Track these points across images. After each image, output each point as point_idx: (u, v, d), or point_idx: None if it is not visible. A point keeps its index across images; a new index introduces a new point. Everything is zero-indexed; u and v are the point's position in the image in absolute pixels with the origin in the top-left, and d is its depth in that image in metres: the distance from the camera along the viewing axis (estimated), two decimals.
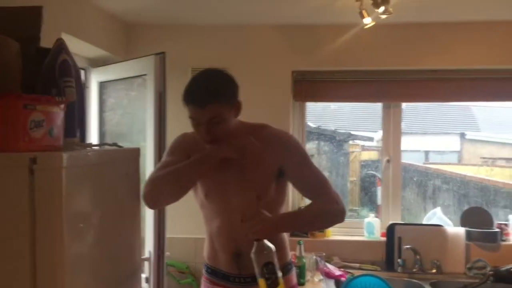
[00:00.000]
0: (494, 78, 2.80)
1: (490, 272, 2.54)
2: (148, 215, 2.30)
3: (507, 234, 2.81)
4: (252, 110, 2.74)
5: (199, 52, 2.84)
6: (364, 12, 2.20)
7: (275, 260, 1.48)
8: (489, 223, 2.81)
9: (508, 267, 2.48)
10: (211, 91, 1.54)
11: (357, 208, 3.24)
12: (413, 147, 5.69)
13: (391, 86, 2.84)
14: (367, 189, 3.28)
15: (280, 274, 1.49)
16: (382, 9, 2.07)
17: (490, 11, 2.53)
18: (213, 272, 1.75)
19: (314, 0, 2.34)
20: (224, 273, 1.71)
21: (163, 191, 1.62)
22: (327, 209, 1.62)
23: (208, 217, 1.76)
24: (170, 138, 1.89)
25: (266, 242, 1.49)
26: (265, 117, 2.60)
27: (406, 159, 5.04)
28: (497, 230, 2.77)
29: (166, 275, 2.71)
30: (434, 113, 6.35)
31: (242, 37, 2.85)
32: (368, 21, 2.24)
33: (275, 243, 1.71)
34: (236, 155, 1.59)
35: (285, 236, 1.77)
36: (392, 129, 2.97)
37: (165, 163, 1.70)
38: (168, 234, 2.60)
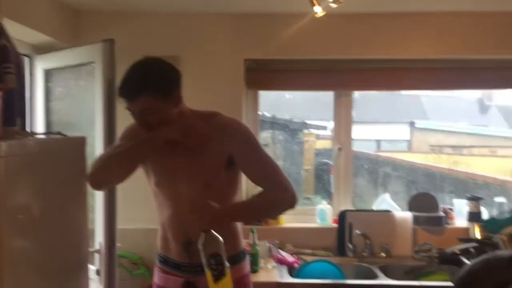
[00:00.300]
0: (442, 67, 2.88)
1: (436, 255, 2.66)
2: (98, 205, 2.25)
3: (451, 218, 2.93)
4: (204, 99, 2.73)
5: (150, 40, 2.79)
6: (314, 1, 2.22)
7: (223, 251, 1.48)
8: (435, 207, 2.92)
9: (452, 249, 2.60)
10: (142, 83, 1.53)
11: (311, 196, 3.29)
12: (365, 136, 5.83)
13: (342, 75, 2.89)
14: (321, 177, 3.33)
15: (227, 265, 1.49)
16: None
17: (438, 2, 2.60)
18: (165, 261, 1.74)
19: None
20: (176, 262, 1.71)
21: (106, 173, 1.63)
22: (278, 197, 1.63)
23: (160, 206, 1.76)
24: (120, 127, 1.86)
25: (214, 233, 1.49)
26: (217, 106, 2.58)
27: (358, 147, 5.15)
28: (442, 214, 2.88)
29: (118, 266, 2.67)
30: (385, 103, 6.50)
31: (194, 25, 2.82)
32: (318, 10, 2.26)
33: (228, 233, 1.71)
34: (179, 137, 1.57)
35: (238, 224, 1.78)
36: (343, 118, 3.02)
37: (112, 147, 1.72)
38: (120, 225, 2.55)
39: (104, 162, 1.63)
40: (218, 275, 1.47)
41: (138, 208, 2.75)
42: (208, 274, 1.48)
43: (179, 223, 1.67)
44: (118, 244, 2.37)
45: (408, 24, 2.80)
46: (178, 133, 1.58)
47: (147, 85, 1.53)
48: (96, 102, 2.27)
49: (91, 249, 2.13)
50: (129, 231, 2.72)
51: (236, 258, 1.73)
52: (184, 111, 1.68)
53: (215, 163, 1.64)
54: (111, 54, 2.23)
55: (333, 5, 2.15)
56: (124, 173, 1.63)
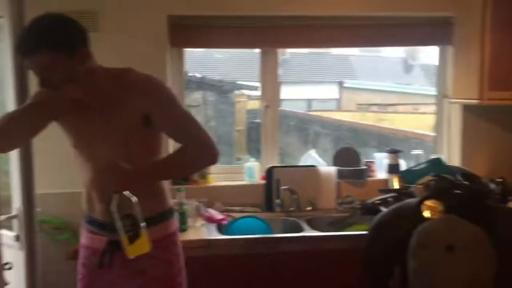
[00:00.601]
0: (367, 24, 2.93)
1: (358, 206, 2.78)
2: (15, 170, 2.14)
3: (372, 171, 3.06)
4: (125, 57, 2.65)
5: None
6: None
7: (137, 212, 1.46)
8: (358, 161, 3.03)
9: (372, 200, 2.72)
10: (38, 38, 1.47)
11: (243, 156, 3.31)
12: (297, 96, 5.90)
13: (268, 32, 2.88)
14: (253, 137, 3.35)
15: (143, 225, 1.47)
16: None
17: None
18: (90, 221, 1.73)
19: None
20: (100, 222, 1.69)
21: (8, 133, 1.55)
22: (198, 152, 1.62)
23: (81, 167, 1.73)
24: (34, 88, 1.75)
25: (126, 193, 1.46)
26: (139, 64, 2.48)
27: (290, 107, 5.21)
28: (364, 167, 3.00)
29: (41, 232, 2.58)
30: (315, 64, 6.58)
31: None
32: None
33: (152, 191, 1.69)
34: (82, 95, 1.51)
35: (164, 183, 1.76)
36: (270, 76, 3.03)
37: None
38: (43, 190, 2.44)
39: (6, 122, 1.55)
40: (133, 236, 1.47)
41: (61, 172, 2.66)
42: (123, 236, 1.47)
43: (100, 183, 1.62)
44: (38, 209, 2.29)
45: None
46: (81, 91, 1.51)
47: (44, 40, 1.47)
48: (6, 60, 2.12)
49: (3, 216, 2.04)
50: (52, 195, 2.63)
51: (162, 216, 1.72)
52: (94, 69, 1.61)
53: (131, 122, 1.60)
54: (20, 8, 2.07)
55: None
56: (27, 133, 1.58)
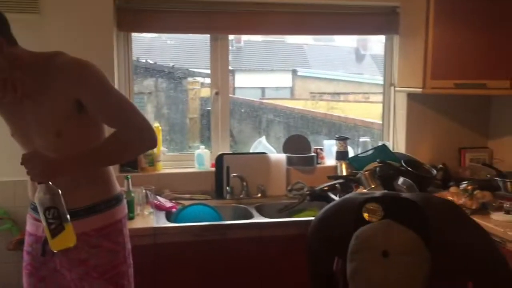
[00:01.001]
0: (318, 12, 2.96)
1: (307, 192, 2.82)
2: None
3: (322, 158, 3.11)
4: (69, 42, 2.56)
5: None
6: None
7: (60, 204, 1.42)
8: (307, 149, 3.07)
9: (321, 186, 2.77)
10: None
11: (196, 144, 3.28)
12: (251, 84, 5.91)
13: (218, 17, 2.85)
14: (206, 125, 3.32)
15: (67, 217, 1.44)
16: None
17: None
18: (34, 208, 1.65)
19: None
20: None
21: None
22: (133, 137, 1.56)
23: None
24: None
25: (50, 184, 1.42)
26: (84, 49, 2.43)
27: (244, 95, 5.19)
28: (313, 154, 3.04)
29: None
30: (269, 52, 6.59)
31: None
32: None
33: (97, 178, 1.64)
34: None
35: (109, 169, 1.71)
36: (220, 62, 3.01)
37: None
38: None
39: None
40: (55, 230, 1.42)
41: (1, 160, 2.56)
42: (46, 229, 1.43)
43: (27, 173, 1.56)
44: None
45: None
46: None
47: None
48: None
49: None
50: None
51: (106, 203, 1.68)
52: (20, 54, 1.54)
53: (62, 109, 1.54)
54: None
55: None
56: None
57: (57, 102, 1.53)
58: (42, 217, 1.43)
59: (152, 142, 1.60)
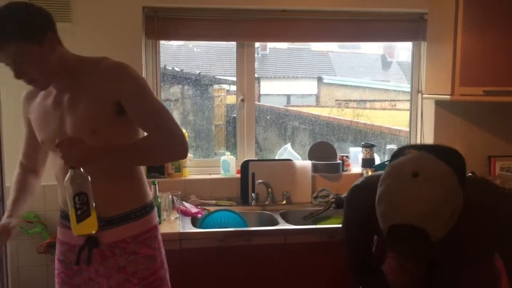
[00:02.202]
0: (344, 19, 2.95)
1: (332, 200, 2.80)
2: None
3: (347, 165, 3.09)
4: (98, 49, 2.60)
5: None
6: None
7: (89, 191, 1.44)
8: (333, 156, 3.06)
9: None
10: (4, 29, 1.43)
11: (222, 151, 3.30)
12: (276, 91, 5.92)
13: (244, 25, 2.87)
14: (232, 132, 3.35)
15: (93, 205, 1.45)
16: None
17: None
18: (66, 215, 1.66)
19: None
20: None
21: None
22: (166, 142, 1.57)
23: (52, 161, 1.70)
24: None
25: (82, 171, 1.44)
26: (113, 57, 2.46)
27: (269, 102, 5.20)
28: (339, 161, 3.03)
29: None
30: (295, 59, 6.59)
31: None
32: None
33: (131, 185, 1.66)
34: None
35: (143, 177, 1.72)
36: (246, 69, 3.03)
37: (23, 137, 1.80)
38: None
39: None
40: (82, 215, 1.43)
41: None
42: (72, 213, 1.44)
43: (61, 157, 1.55)
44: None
45: None
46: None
47: (11, 30, 1.43)
48: None
49: None
50: None
51: (143, 210, 1.68)
52: (67, 57, 1.58)
53: (101, 110, 1.56)
54: None
55: None
56: None
57: (97, 103, 1.55)
58: (69, 202, 1.44)
59: (182, 151, 1.60)
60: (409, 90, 3.32)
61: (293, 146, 3.32)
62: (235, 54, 3.04)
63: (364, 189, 1.52)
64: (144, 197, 1.71)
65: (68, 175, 1.43)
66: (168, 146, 1.58)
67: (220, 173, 2.97)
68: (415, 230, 1.19)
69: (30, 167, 1.83)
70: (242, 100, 3.05)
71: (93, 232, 1.49)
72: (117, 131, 1.61)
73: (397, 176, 1.26)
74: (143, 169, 1.76)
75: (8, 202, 1.77)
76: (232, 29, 2.86)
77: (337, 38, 3.15)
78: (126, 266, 1.64)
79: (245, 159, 2.94)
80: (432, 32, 2.92)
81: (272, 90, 6.09)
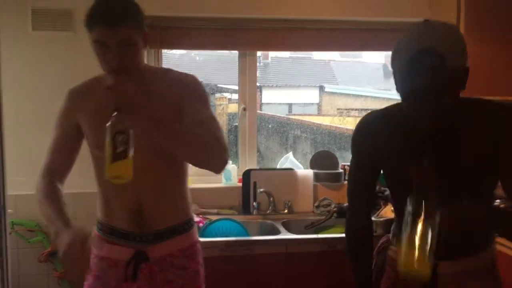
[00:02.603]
0: (345, 29, 2.96)
1: (334, 209, 2.79)
2: None
3: None
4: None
5: None
6: None
7: (131, 137, 1.34)
8: (335, 165, 3.05)
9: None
10: (123, 10, 1.39)
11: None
12: (278, 99, 5.92)
13: (246, 34, 2.88)
14: (234, 141, 3.34)
15: (132, 153, 1.34)
16: None
17: None
18: (109, 230, 1.60)
19: None
20: (123, 232, 1.58)
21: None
22: (208, 140, 1.48)
23: (101, 168, 1.52)
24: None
25: (125, 124, 1.34)
26: None
27: (271, 111, 5.20)
28: (341, 171, 3.02)
29: (14, 234, 2.55)
30: (297, 68, 6.59)
31: None
32: None
33: (177, 199, 1.61)
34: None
35: (188, 191, 1.66)
36: (248, 78, 3.03)
37: (52, 143, 1.62)
38: (14, 191, 2.43)
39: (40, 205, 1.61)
40: (119, 154, 1.32)
41: (33, 173, 2.61)
42: (109, 152, 1.33)
43: (127, 188, 1.48)
44: (10, 210, 2.25)
45: None
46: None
47: (130, 13, 1.41)
48: None
49: None
50: (23, 197, 2.57)
51: (188, 224, 1.65)
52: (142, 60, 1.53)
53: (168, 115, 1.49)
54: None
55: None
56: None
57: (164, 107, 1.49)
58: (109, 139, 1.33)
59: (222, 158, 1.50)
60: None
61: (294, 155, 3.31)
62: (237, 63, 3.04)
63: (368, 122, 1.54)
64: (190, 211, 1.67)
65: (115, 116, 1.33)
66: (210, 145, 1.48)
67: (221, 182, 2.97)
68: (436, 56, 1.23)
69: (59, 178, 1.64)
70: (244, 109, 3.05)
71: (125, 180, 1.36)
72: None
73: (409, 29, 1.34)
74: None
75: (51, 214, 1.53)
76: (234, 38, 2.87)
77: (339, 47, 3.17)
78: (173, 280, 1.59)
79: (247, 168, 2.94)
80: None
81: (274, 99, 6.09)
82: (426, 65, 1.25)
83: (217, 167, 1.53)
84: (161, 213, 1.58)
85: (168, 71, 1.63)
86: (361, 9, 2.89)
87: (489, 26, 2.60)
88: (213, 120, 1.55)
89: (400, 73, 1.31)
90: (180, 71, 1.62)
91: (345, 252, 1.64)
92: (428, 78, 1.26)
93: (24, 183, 2.59)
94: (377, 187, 2.85)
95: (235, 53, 3.06)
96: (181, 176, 1.65)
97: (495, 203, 1.63)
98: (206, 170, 1.53)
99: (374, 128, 1.51)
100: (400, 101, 1.45)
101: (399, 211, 1.55)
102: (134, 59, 1.44)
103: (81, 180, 1.86)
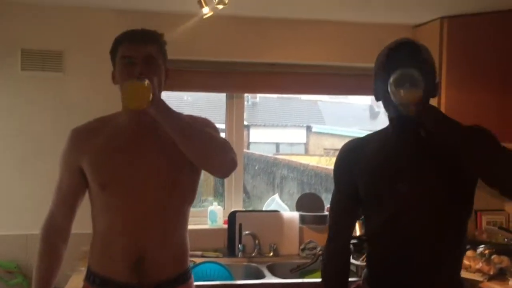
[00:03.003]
0: (329, 73, 3.02)
1: (320, 252, 2.77)
2: None
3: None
4: (89, 98, 2.65)
5: (31, 32, 2.63)
6: (202, 2, 2.23)
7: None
8: (321, 207, 3.05)
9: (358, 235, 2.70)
10: (149, 33, 1.55)
11: (211, 199, 3.29)
12: (266, 139, 5.95)
13: (235, 77, 2.92)
14: (220, 181, 3.34)
15: (148, 82, 1.39)
16: (216, 0, 2.11)
17: (320, 11, 2.73)
18: (102, 281, 1.51)
19: None
20: (119, 283, 1.48)
21: None
22: (218, 138, 1.50)
23: (101, 213, 1.53)
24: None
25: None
26: (103, 107, 2.47)
27: (259, 150, 5.21)
28: (326, 213, 3.01)
29: None
30: (285, 108, 6.65)
31: (81, 19, 2.69)
32: (206, 11, 2.27)
33: (178, 249, 1.56)
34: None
35: (188, 241, 1.63)
36: (235, 119, 3.06)
37: (58, 185, 1.59)
38: None
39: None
40: (138, 79, 1.39)
41: (13, 214, 2.59)
42: (128, 82, 1.40)
43: (129, 235, 1.46)
44: None
45: (297, 30, 2.90)
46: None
47: (157, 37, 1.55)
48: None
49: None
50: (2, 237, 2.55)
51: (187, 274, 1.60)
52: (161, 90, 1.54)
53: (181, 156, 1.45)
54: None
55: (219, 7, 2.17)
56: None
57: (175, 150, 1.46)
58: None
59: (230, 157, 1.47)
60: None
61: (281, 196, 3.31)
62: (225, 104, 3.08)
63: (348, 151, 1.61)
64: (188, 261, 1.63)
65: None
66: (219, 142, 1.48)
67: (207, 224, 2.94)
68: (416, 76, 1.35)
69: (65, 236, 1.60)
70: None
71: (144, 104, 1.37)
72: (190, 183, 1.56)
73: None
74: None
75: (36, 275, 1.56)
76: (223, 81, 2.92)
77: (324, 91, 3.23)
78: None
79: (233, 210, 2.92)
80: None
81: (262, 138, 6.11)
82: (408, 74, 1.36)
83: (226, 166, 1.48)
84: (163, 263, 1.51)
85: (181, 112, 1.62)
86: (346, 55, 2.96)
87: (470, 75, 2.68)
88: (220, 137, 1.56)
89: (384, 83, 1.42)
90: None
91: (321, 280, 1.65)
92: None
93: (2, 223, 2.57)
94: (363, 230, 2.84)
95: (223, 94, 3.10)
96: (183, 224, 1.60)
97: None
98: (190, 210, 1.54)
99: (354, 154, 1.57)
100: (377, 130, 1.60)
101: (373, 257, 1.57)
102: (156, 79, 1.44)
103: None
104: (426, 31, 2.90)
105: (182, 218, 1.59)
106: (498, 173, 1.33)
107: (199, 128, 1.48)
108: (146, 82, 1.38)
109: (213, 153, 1.45)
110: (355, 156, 1.56)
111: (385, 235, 1.50)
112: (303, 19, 2.88)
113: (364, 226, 1.70)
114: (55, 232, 1.58)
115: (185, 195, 1.56)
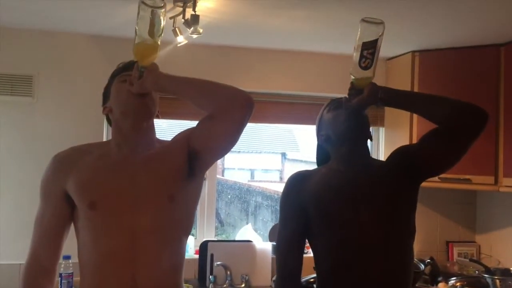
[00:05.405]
0: (308, 103, 3.05)
1: None
2: None
3: (308, 247, 3.03)
4: (60, 126, 2.59)
5: (0, 55, 2.57)
6: (177, 30, 2.22)
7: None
8: None
9: (307, 278, 2.68)
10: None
11: None
12: (240, 165, 5.92)
13: None
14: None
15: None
16: (191, 29, 2.11)
17: (296, 42, 2.76)
18: None
19: (127, 13, 2.29)
20: None
21: None
22: (223, 84, 1.48)
23: (90, 237, 1.41)
24: None
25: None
26: (76, 130, 2.46)
27: (233, 177, 5.16)
28: None
29: None
30: (260, 134, 6.65)
31: (53, 43, 2.67)
32: (181, 39, 2.27)
33: (178, 267, 1.50)
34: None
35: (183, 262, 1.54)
36: None
37: (39, 220, 1.45)
38: None
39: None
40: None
41: (13, 242, 2.48)
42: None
43: (122, 262, 1.37)
44: None
45: (272, 60, 2.93)
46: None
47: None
48: None
49: None
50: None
51: None
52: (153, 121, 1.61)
53: (178, 168, 1.44)
54: None
55: (194, 36, 2.17)
56: None
57: (172, 165, 1.45)
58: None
59: (247, 99, 1.47)
60: None
61: (255, 223, 3.28)
62: None
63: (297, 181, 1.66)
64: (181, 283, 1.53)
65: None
66: (223, 85, 1.49)
67: None
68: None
69: (49, 271, 1.47)
70: (204, 179, 3.01)
71: (153, 55, 1.51)
72: (190, 194, 1.49)
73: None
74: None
75: None
76: (197, 109, 2.89)
77: (299, 120, 3.23)
78: None
79: (204, 239, 2.87)
80: (389, 119, 3.04)
81: (236, 165, 6.06)
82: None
83: (242, 95, 1.46)
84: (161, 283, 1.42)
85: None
86: (321, 85, 3.00)
87: None
88: None
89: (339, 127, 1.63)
90: None
91: None
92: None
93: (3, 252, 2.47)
94: None
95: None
96: (181, 252, 1.52)
97: None
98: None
99: (301, 184, 1.62)
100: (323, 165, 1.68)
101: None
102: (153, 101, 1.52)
103: None
104: (399, 63, 2.96)
105: (179, 247, 1.50)
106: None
107: (207, 82, 1.50)
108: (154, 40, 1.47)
109: (222, 88, 1.47)
110: (302, 184, 1.62)
111: (334, 265, 1.61)
112: (278, 49, 2.91)
113: (313, 253, 1.76)
114: (41, 274, 1.45)
115: (186, 205, 1.48)
